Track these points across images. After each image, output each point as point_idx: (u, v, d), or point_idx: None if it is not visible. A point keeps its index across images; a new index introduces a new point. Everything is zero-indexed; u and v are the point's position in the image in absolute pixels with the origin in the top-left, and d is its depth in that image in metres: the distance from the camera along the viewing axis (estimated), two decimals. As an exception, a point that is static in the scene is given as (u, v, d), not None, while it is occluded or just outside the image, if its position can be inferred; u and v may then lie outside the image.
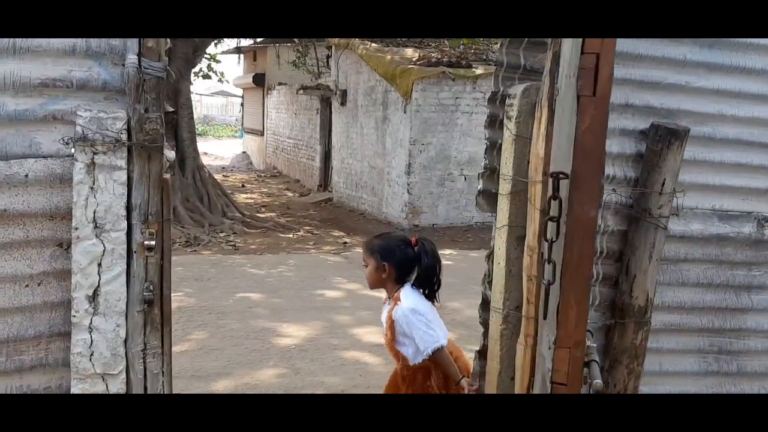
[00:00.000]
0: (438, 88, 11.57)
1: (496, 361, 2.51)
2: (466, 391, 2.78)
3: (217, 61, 19.33)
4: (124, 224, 2.11)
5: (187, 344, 5.02)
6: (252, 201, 14.96)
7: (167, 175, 2.25)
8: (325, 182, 16.31)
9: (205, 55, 16.50)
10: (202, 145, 29.79)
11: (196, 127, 38.97)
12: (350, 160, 14.12)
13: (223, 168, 22.10)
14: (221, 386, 4.29)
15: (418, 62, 11.87)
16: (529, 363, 2.29)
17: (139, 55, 2.05)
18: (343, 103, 14.23)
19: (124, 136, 2.07)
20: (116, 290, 2.13)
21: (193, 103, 13.53)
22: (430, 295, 2.90)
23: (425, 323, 2.74)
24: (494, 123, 2.61)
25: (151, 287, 2.21)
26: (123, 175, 2.08)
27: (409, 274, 2.83)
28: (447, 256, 9.03)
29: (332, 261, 8.53)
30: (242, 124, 27.02)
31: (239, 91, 26.93)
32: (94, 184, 2.04)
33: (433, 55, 12.31)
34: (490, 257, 2.73)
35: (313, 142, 17.00)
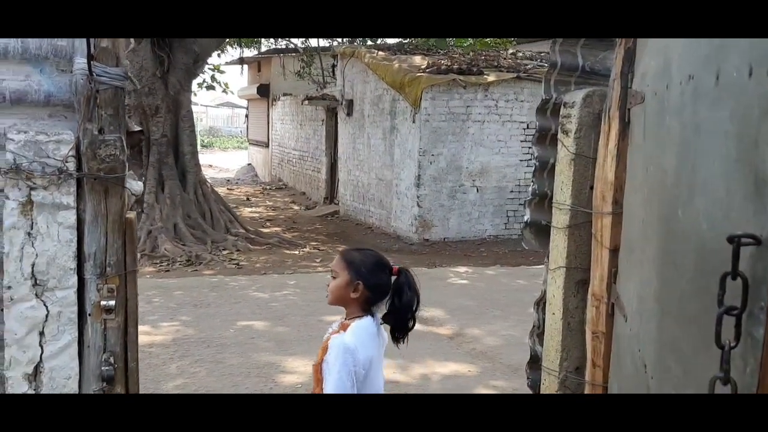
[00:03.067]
0: (448, 96, 11.09)
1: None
2: None
3: (221, 72, 18.91)
4: (74, 280, 1.62)
5: (181, 382, 4.52)
6: (257, 215, 14.49)
7: (131, 214, 1.75)
8: (331, 195, 15.84)
9: (208, 66, 16.07)
10: (207, 157, 29.60)
11: (202, 139, 38.73)
12: (357, 172, 13.64)
13: (228, 181, 21.67)
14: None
15: (427, 70, 11.39)
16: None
17: (90, 58, 1.56)
18: (349, 114, 13.76)
19: (71, 165, 1.58)
20: (64, 365, 1.64)
21: (198, 114, 13.08)
22: (399, 338, 2.40)
23: (348, 372, 2.20)
24: (544, 138, 2.11)
25: (112, 359, 1.71)
26: (71, 216, 1.59)
27: (379, 302, 2.35)
28: (462, 274, 8.51)
29: (340, 281, 8.02)
30: (247, 135, 26.63)
31: (245, 102, 26.55)
32: (32, 228, 1.55)
33: (442, 62, 11.83)
34: (539, 304, 2.22)
35: (318, 153, 16.54)
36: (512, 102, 11.45)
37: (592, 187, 1.92)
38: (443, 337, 5.76)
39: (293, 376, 4.79)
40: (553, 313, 2.12)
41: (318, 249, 10.77)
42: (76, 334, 1.65)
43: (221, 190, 18.47)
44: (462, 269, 8.90)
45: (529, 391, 2.30)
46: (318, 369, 2.32)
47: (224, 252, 10.13)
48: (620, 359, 1.74)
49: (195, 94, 15.02)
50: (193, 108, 12.83)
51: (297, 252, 10.45)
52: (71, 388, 1.64)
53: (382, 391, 2.33)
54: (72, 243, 1.61)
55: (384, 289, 2.33)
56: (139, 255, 9.49)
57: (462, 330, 5.94)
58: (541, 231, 2.17)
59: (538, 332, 2.20)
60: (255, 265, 9.29)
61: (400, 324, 2.35)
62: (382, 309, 2.33)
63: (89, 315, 1.66)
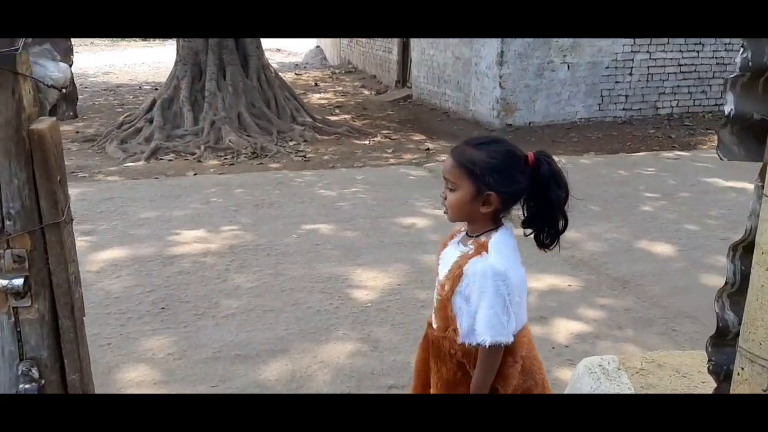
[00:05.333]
0: (536, -42, 9.65)
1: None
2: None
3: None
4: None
5: (236, 303, 3.96)
6: (325, 102, 13.69)
7: (45, 123, 1.00)
8: (403, 77, 14.78)
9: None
10: (276, 41, 28.54)
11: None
12: (431, 51, 12.48)
13: (296, 65, 20.76)
14: (273, 372, 3.21)
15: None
16: None
17: None
18: (422, -15, 12.43)
19: None
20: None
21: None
22: (547, 244, 1.85)
23: (503, 303, 1.72)
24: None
25: (35, 371, 1.01)
26: None
27: (512, 206, 1.83)
28: (552, 164, 7.54)
29: (414, 176, 7.24)
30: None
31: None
32: None
33: None
34: (736, 250, 1.39)
35: (389, 32, 15.32)
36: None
37: None
38: (535, 241, 4.97)
39: (362, 291, 4.16)
40: (759, 275, 1.30)
41: (389, 138, 9.96)
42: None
43: (288, 76, 17.66)
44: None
45: (704, 370, 1.52)
46: (446, 304, 1.82)
47: (291, 143, 9.48)
48: None
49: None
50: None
51: (367, 142, 9.68)
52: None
53: (525, 318, 1.88)
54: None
55: (521, 191, 1.80)
56: (203, 147, 9.08)
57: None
58: (751, 131, 1.30)
59: (732, 292, 1.39)
60: (323, 158, 8.61)
61: (549, 228, 1.83)
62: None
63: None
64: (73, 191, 6.42)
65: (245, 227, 5.29)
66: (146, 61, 20.48)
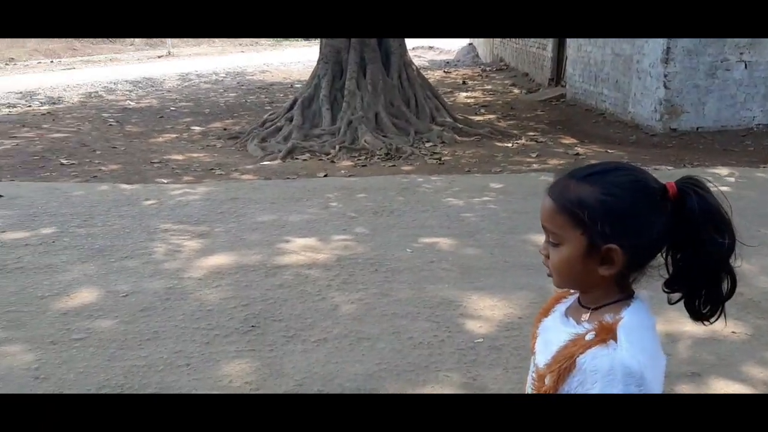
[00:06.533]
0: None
1: None
2: None
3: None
4: None
5: (331, 326, 3.56)
6: (472, 101, 13.14)
7: None
8: (557, 76, 13.85)
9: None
10: (429, 39, 28.33)
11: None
12: (589, 47, 11.51)
13: (447, 63, 20.34)
14: (356, 418, 2.77)
15: None
16: None
17: None
18: (580, -24, 11.49)
19: None
20: None
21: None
22: (707, 315, 1.24)
23: None
24: None
25: None
26: None
27: (646, 264, 1.23)
28: (722, 177, 6.47)
29: (556, 185, 6.51)
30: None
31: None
32: None
33: None
34: None
35: (544, 27, 14.44)
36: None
37: None
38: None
39: (475, 322, 3.60)
40: None
41: (535, 141, 9.23)
42: None
43: (437, 74, 17.29)
44: (723, 170, 6.83)
45: None
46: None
47: (427, 144, 9.04)
48: None
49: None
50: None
51: (510, 144, 9.02)
52: None
53: None
54: None
55: (658, 241, 1.21)
56: (337, 147, 8.88)
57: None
58: None
59: None
60: (459, 161, 8.08)
61: (707, 291, 1.22)
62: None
63: None
64: (201, 190, 6.40)
65: (358, 237, 4.90)
66: (301, 60, 21.00)
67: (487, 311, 3.72)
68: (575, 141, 9.18)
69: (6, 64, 20.34)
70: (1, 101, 12.98)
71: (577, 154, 8.35)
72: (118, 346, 3.35)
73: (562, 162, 7.83)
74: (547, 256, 1.27)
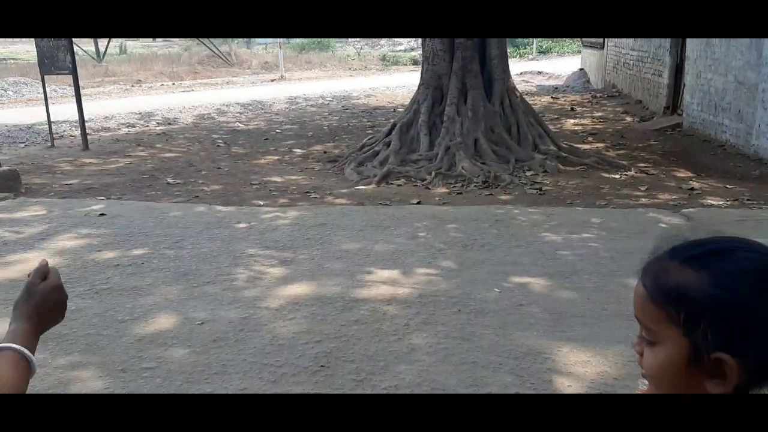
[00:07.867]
0: None
1: None
2: None
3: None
4: None
5: (404, 371, 3.32)
6: (579, 128, 12.57)
7: None
8: (674, 104, 13.03)
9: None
10: (541, 63, 27.77)
11: (540, 44, 36.96)
12: (709, 74, 10.73)
13: (556, 89, 19.72)
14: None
15: None
16: None
17: None
18: None
19: None
20: None
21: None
22: None
23: None
24: None
25: None
26: None
27: None
28: None
29: (666, 223, 5.99)
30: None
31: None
32: None
33: None
34: None
35: (661, 52, 13.68)
36: None
37: None
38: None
39: (564, 379, 3.25)
40: None
41: (646, 173, 8.62)
42: None
43: (544, 99, 16.76)
44: None
45: None
46: None
47: (528, 173, 8.65)
48: None
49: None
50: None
51: (617, 176, 8.47)
52: None
53: None
54: None
55: None
56: (433, 173, 8.68)
57: None
58: None
59: None
60: (561, 192, 7.65)
61: None
62: None
63: None
64: (291, 214, 6.36)
65: (443, 272, 4.65)
66: (407, 84, 21.03)
67: (578, 367, 3.36)
68: (690, 174, 8.51)
69: (132, 86, 21.66)
70: (121, 121, 13.74)
71: (692, 188, 7.70)
72: (185, 379, 3.26)
73: (674, 197, 7.24)
74: (641, 354, 0.99)
